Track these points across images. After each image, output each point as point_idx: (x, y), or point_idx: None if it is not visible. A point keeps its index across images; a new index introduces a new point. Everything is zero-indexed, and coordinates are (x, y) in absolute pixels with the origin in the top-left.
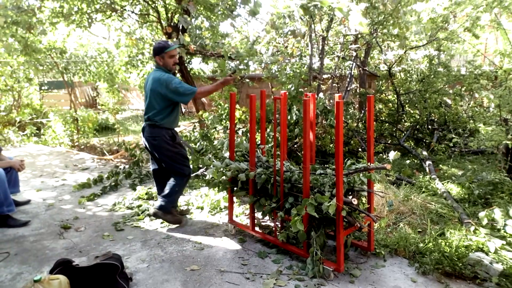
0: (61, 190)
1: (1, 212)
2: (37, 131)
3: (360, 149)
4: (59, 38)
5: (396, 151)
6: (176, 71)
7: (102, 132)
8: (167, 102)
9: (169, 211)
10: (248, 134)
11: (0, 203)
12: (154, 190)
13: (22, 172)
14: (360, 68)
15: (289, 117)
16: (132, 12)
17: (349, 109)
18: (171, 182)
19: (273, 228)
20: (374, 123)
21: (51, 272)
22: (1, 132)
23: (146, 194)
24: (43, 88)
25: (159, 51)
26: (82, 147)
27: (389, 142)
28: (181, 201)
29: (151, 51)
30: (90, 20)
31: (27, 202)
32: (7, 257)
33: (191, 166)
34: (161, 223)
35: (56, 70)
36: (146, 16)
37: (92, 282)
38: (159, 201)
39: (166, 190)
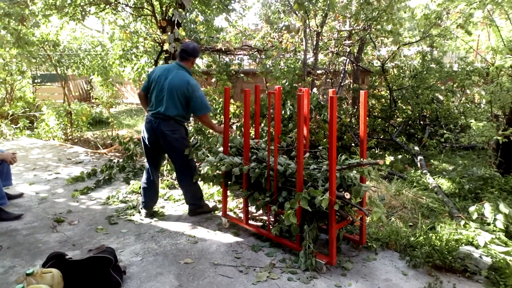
0: (54, 184)
1: None
2: (30, 125)
3: (353, 144)
4: (52, 31)
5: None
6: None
7: (96, 125)
8: (186, 103)
9: (199, 207)
10: (242, 128)
11: None
12: None
13: (15, 165)
14: (354, 64)
15: (283, 112)
16: (126, 5)
17: (343, 105)
18: (182, 187)
19: (267, 222)
20: (367, 118)
21: (44, 265)
22: None
23: (139, 187)
24: (36, 81)
25: (197, 54)
26: (76, 140)
27: (381, 137)
28: (176, 195)
29: (145, 44)
30: (83, 13)
31: (20, 195)
32: (0, 250)
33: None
34: (154, 216)
35: (49, 63)
36: (141, 9)
37: (85, 275)
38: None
39: (186, 196)
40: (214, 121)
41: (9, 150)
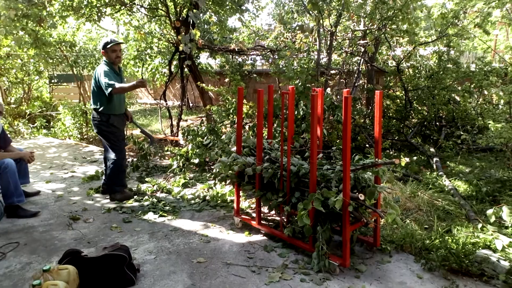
0: (70, 182)
1: (11, 202)
2: (47, 124)
3: (367, 145)
4: (69, 32)
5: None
6: (185, 66)
7: None
8: (102, 91)
9: (113, 192)
10: (255, 129)
11: (11, 194)
12: (161, 182)
13: (32, 163)
14: (368, 64)
15: (296, 112)
16: (141, 6)
17: (356, 105)
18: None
19: (279, 222)
20: (382, 119)
21: (60, 262)
22: (11, 124)
23: (157, 186)
24: (52, 81)
25: (102, 47)
26: (91, 139)
27: (396, 138)
28: (189, 195)
29: (159, 45)
30: (99, 14)
31: (37, 193)
32: (17, 247)
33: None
34: (167, 215)
35: (65, 64)
36: (155, 10)
37: (100, 272)
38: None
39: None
40: (227, 121)
41: (26, 148)
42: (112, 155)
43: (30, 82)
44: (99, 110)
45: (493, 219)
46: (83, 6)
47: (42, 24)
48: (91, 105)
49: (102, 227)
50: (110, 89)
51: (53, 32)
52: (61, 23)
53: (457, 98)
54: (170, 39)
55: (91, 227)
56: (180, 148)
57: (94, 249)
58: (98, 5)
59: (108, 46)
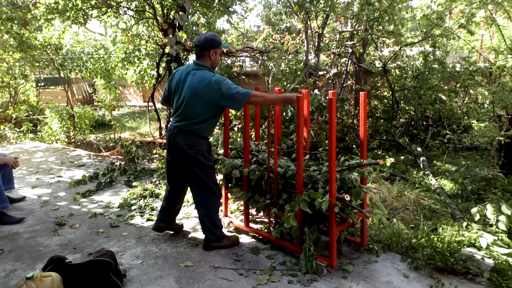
0: (56, 187)
1: None
2: (34, 128)
3: (354, 146)
4: (54, 35)
5: None
6: (172, 68)
7: (98, 128)
8: (215, 110)
9: (217, 240)
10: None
11: None
12: (148, 186)
13: (17, 169)
14: (356, 65)
15: (284, 114)
16: (128, 8)
17: (345, 106)
18: (198, 213)
19: (267, 224)
20: (369, 119)
21: (44, 269)
22: None
23: (145, 190)
24: (39, 84)
25: (211, 45)
26: (79, 143)
27: (384, 138)
28: None
29: (147, 47)
30: (85, 17)
31: (22, 199)
32: (1, 254)
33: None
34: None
35: (52, 67)
36: (142, 12)
37: (85, 279)
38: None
39: (202, 224)
40: None
41: (12, 153)
42: (206, 199)
43: (16, 85)
44: (198, 132)
45: (477, 217)
46: (68, 9)
47: (27, 27)
48: (184, 124)
49: (89, 233)
50: (247, 98)
51: (38, 35)
52: (47, 26)
53: (443, 98)
54: (158, 41)
55: (77, 233)
56: None
57: (80, 255)
58: (84, 7)
59: (221, 46)
